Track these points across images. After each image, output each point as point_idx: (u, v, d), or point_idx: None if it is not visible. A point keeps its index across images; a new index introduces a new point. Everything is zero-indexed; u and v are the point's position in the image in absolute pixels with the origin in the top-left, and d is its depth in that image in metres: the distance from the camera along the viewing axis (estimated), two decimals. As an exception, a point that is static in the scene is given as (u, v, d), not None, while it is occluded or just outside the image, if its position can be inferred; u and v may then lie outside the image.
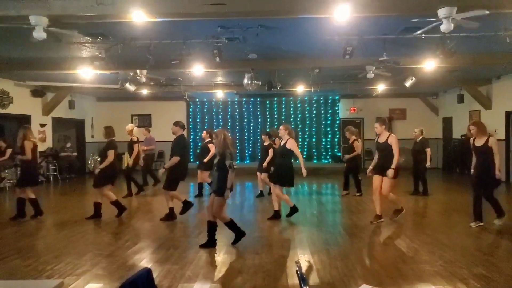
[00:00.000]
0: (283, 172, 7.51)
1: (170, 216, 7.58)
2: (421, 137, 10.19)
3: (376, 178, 7.15)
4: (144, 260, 5.36)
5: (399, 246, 5.93)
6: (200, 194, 10.29)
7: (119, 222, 7.60)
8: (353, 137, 10.12)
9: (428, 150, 10.02)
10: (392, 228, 6.92)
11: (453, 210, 8.40)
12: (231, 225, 5.95)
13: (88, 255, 5.53)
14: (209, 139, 9.78)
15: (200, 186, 10.36)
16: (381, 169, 7.03)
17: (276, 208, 7.61)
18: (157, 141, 12.15)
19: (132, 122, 17.60)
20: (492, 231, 6.66)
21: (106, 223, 7.51)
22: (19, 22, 5.72)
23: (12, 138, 12.66)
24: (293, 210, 7.58)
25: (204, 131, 10.58)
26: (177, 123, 7.76)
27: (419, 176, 10.16)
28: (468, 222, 7.00)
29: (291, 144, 7.43)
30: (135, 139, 10.43)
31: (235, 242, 5.92)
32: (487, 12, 5.58)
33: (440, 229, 6.85)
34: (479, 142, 6.91)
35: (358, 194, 10.17)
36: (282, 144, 7.62)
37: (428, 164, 10.00)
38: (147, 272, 2.50)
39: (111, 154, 7.67)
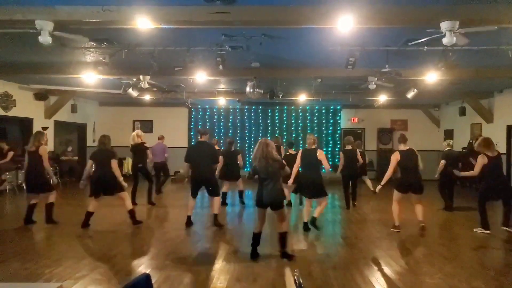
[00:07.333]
0: (323, 185, 7.34)
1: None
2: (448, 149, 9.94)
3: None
4: (142, 265, 5.36)
5: (399, 257, 5.92)
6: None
7: (119, 228, 7.59)
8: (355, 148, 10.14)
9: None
10: (392, 240, 6.90)
11: (453, 223, 8.38)
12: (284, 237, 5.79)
13: (87, 260, 5.53)
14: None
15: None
16: None
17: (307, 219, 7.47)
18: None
19: (134, 128, 17.65)
20: (492, 244, 6.64)
21: (106, 228, 7.51)
22: (26, 27, 5.78)
23: (14, 140, 12.78)
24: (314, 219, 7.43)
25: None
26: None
27: (453, 189, 9.96)
28: (469, 234, 7.03)
29: (323, 155, 7.34)
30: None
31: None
32: (496, 28, 5.62)
33: (440, 241, 6.84)
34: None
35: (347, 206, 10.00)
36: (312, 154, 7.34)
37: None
38: (146, 277, 2.50)
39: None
